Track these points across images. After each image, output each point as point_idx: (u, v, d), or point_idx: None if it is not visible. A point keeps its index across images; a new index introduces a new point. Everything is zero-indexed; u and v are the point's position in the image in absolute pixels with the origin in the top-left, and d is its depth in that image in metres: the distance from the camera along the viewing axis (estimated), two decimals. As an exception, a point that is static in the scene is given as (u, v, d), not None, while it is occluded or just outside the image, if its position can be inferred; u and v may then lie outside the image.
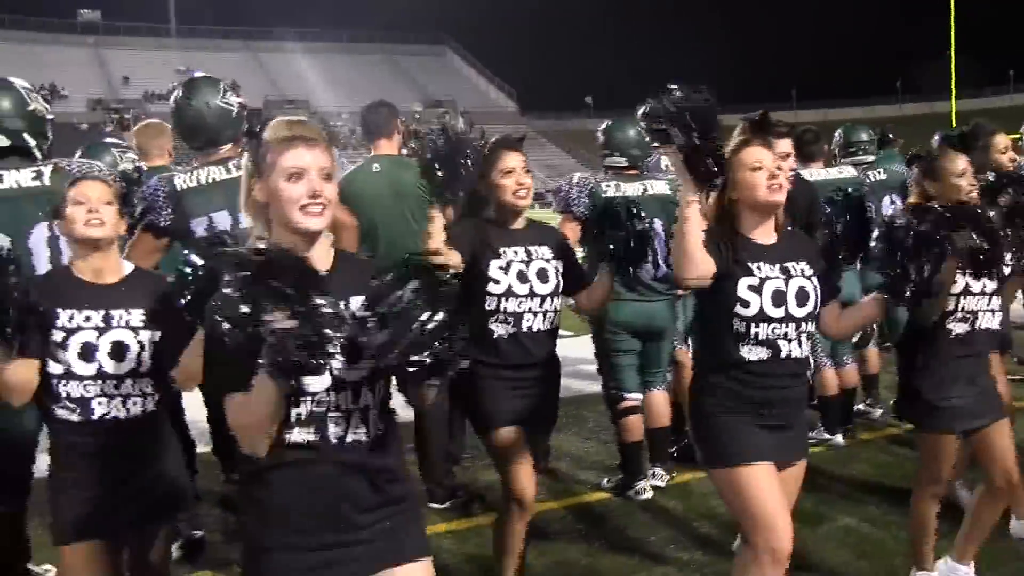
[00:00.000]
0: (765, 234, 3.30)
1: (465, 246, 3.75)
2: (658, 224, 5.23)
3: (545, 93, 69.46)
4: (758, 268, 3.20)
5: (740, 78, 74.87)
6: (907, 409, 4.02)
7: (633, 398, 5.46)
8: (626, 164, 5.50)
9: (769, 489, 3.17)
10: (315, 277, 2.13)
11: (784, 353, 3.20)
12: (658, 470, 5.58)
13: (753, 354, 3.19)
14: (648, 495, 5.42)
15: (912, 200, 4.08)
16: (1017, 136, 8.08)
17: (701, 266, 3.15)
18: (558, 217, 5.52)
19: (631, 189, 5.38)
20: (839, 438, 6.25)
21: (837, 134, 7.23)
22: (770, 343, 3.18)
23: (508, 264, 3.75)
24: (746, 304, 3.18)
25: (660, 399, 5.52)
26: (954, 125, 40.34)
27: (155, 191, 4.13)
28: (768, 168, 3.24)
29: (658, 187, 5.43)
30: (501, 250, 3.76)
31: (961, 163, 3.93)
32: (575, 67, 77.52)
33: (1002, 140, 5.82)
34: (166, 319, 3.04)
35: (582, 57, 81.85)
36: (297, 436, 2.31)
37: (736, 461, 3.19)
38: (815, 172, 6.24)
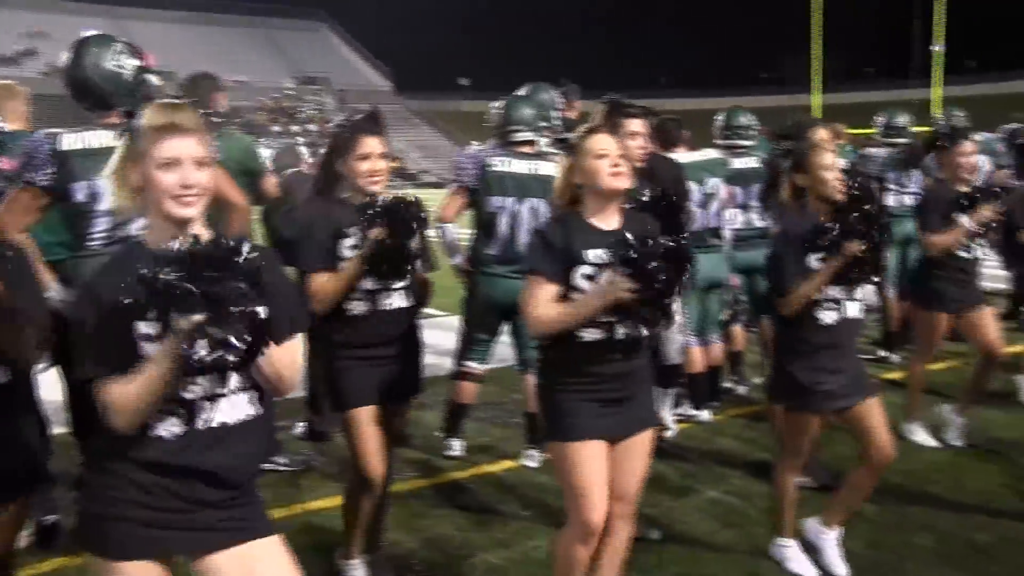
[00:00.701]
0: (606, 219, 3.33)
1: (321, 228, 3.73)
2: (541, 204, 5.29)
3: (421, 73, 68.71)
4: (596, 256, 3.22)
5: (611, 65, 75.70)
6: (779, 390, 4.19)
7: (476, 367, 5.61)
8: (529, 139, 5.53)
9: (591, 466, 3.27)
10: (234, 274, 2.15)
11: (619, 334, 3.23)
12: (532, 450, 5.62)
13: (588, 334, 3.23)
14: (455, 452, 5.70)
15: (784, 193, 4.19)
16: (870, 131, 8.41)
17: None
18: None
19: (520, 167, 5.40)
20: (705, 414, 6.42)
21: (719, 117, 7.40)
22: (606, 325, 3.21)
23: (354, 246, 3.72)
24: (583, 292, 3.22)
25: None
26: (819, 117, 41.86)
27: (38, 146, 3.96)
28: (612, 156, 3.28)
29: (546, 168, 5.44)
30: (353, 230, 3.73)
31: (830, 157, 4.06)
32: (451, 47, 77.20)
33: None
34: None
35: (459, 38, 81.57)
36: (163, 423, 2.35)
37: (565, 437, 3.28)
38: (687, 155, 6.36)
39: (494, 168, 5.39)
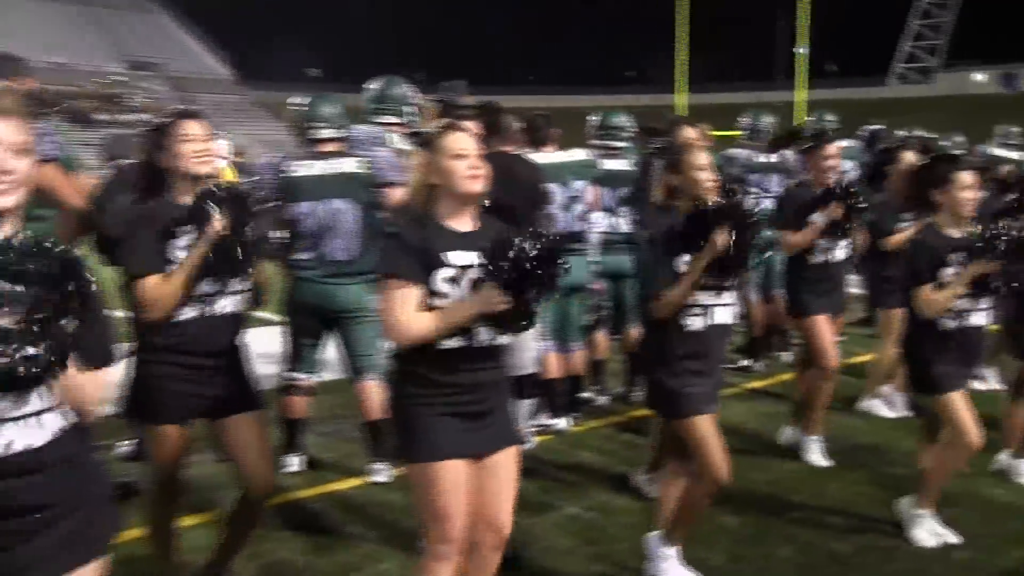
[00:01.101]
0: (463, 222, 3.32)
1: (148, 227, 3.63)
2: (341, 204, 5.31)
3: (266, 61, 67.40)
4: (457, 258, 3.22)
5: (475, 60, 75.92)
6: (652, 400, 4.30)
7: (303, 378, 5.60)
8: (330, 137, 5.49)
9: (454, 488, 3.24)
10: None
11: (480, 341, 3.23)
12: (379, 464, 5.58)
13: (448, 342, 3.21)
14: (294, 469, 5.63)
15: (657, 193, 4.28)
16: (736, 133, 8.68)
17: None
18: None
19: (321, 168, 5.36)
20: (563, 422, 6.49)
21: (593, 117, 7.54)
22: (468, 332, 3.20)
23: (188, 246, 3.62)
24: (444, 296, 3.19)
25: (372, 389, 5.51)
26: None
27: None
28: (470, 157, 3.28)
29: (347, 166, 5.41)
30: (184, 228, 3.62)
31: (703, 157, 4.17)
32: (299, 35, 75.96)
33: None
34: None
35: (308, 25, 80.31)
36: None
37: (425, 457, 3.23)
38: (544, 156, 6.43)
39: (292, 174, 5.36)
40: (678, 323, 4.05)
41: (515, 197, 5.51)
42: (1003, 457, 5.69)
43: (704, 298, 4.05)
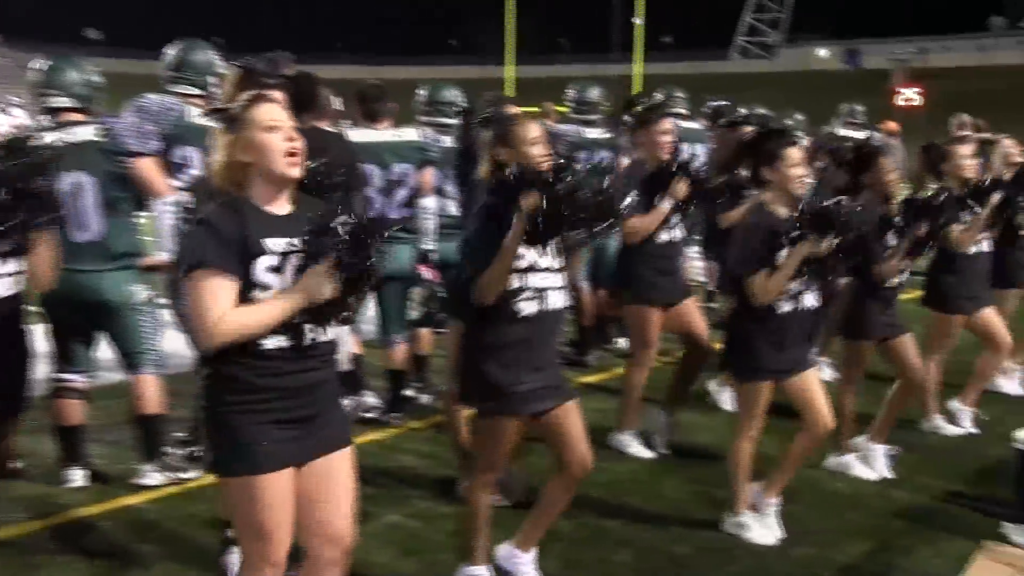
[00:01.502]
0: (278, 204, 3.28)
1: None
2: (83, 177, 5.23)
3: (37, 20, 64.55)
4: (278, 244, 3.18)
5: (281, 28, 74.59)
6: (472, 393, 4.32)
7: (74, 380, 5.49)
8: (69, 105, 5.39)
9: (278, 502, 3.21)
10: None
11: (308, 340, 3.20)
12: (150, 467, 5.52)
13: (271, 342, 3.16)
14: (76, 484, 5.51)
15: (484, 167, 4.34)
16: (564, 107, 8.84)
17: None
18: None
19: (49, 139, 5.14)
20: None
21: (421, 91, 7.55)
22: (292, 328, 3.17)
23: None
24: (267, 288, 3.15)
25: (147, 383, 5.46)
26: (513, 91, 43.41)
27: None
28: (284, 129, 3.24)
29: (83, 134, 5.31)
30: None
31: (534, 130, 4.25)
32: (78, -6, 72.96)
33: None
34: None
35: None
36: None
37: (247, 470, 3.18)
38: (372, 134, 6.44)
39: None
40: (509, 308, 4.10)
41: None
42: (859, 441, 6.05)
43: (535, 280, 4.12)
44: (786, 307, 4.83)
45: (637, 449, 6.24)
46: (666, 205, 5.92)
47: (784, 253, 4.71)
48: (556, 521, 4.52)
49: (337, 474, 3.37)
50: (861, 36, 71.29)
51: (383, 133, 6.51)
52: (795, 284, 4.77)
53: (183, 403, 6.70)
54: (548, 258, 4.18)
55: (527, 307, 4.11)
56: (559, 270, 4.21)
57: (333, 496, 3.35)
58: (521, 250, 4.03)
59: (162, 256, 5.47)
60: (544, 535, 4.51)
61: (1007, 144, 7.49)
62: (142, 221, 5.59)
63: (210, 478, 5.11)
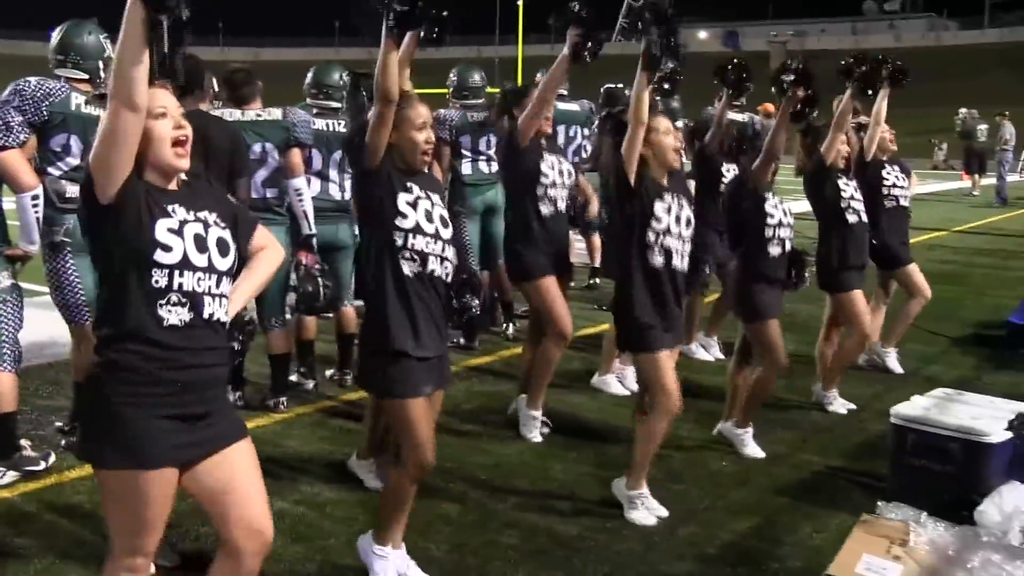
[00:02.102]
0: (169, 185, 3.18)
1: None
2: None
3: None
4: (173, 211, 3.10)
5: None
6: (368, 377, 4.37)
7: None
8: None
9: (161, 496, 3.12)
10: None
11: (207, 314, 3.12)
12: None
13: (174, 315, 3.06)
14: None
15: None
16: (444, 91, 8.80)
17: None
18: None
19: None
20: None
21: (452, 74, 7.70)
22: (193, 299, 3.09)
23: None
24: (168, 249, 3.05)
25: (3, 380, 5.26)
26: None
27: None
28: (173, 116, 3.14)
29: None
30: None
31: (423, 113, 4.21)
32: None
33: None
34: None
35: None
36: None
37: (130, 465, 3.06)
38: (236, 113, 6.33)
39: None
40: (398, 273, 4.12)
41: (210, 163, 5.42)
42: (726, 426, 6.15)
43: (420, 243, 4.12)
44: (658, 260, 4.99)
45: (533, 434, 6.23)
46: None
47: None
48: (442, 505, 4.50)
49: (241, 467, 3.29)
50: (739, 19, 72.43)
51: (246, 113, 6.40)
52: (670, 240, 5.00)
53: (62, 392, 6.58)
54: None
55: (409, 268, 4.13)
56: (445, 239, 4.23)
57: (242, 488, 3.28)
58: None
59: (28, 248, 5.31)
60: (431, 519, 4.49)
61: (882, 130, 7.68)
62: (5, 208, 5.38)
63: (89, 468, 5.00)
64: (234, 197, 4.24)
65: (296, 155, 6.53)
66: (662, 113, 5.18)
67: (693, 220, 5.14)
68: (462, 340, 8.40)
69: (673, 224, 5.00)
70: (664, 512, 5.12)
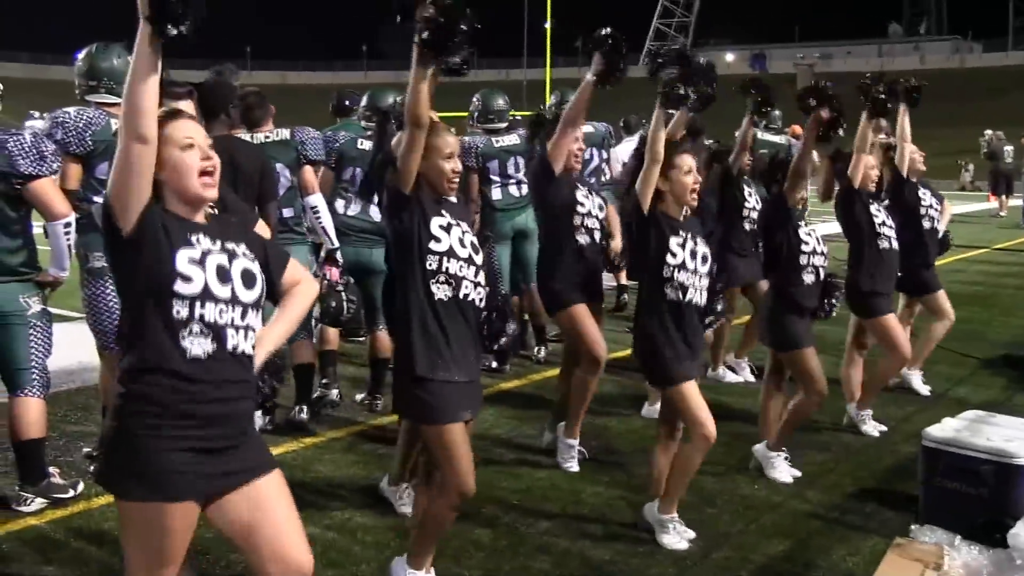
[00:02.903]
0: (196, 216, 3.16)
1: None
2: None
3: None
4: (197, 240, 3.07)
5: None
6: (402, 402, 4.35)
7: None
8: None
9: (181, 528, 3.08)
10: None
11: (231, 346, 3.09)
12: (27, 493, 5.32)
13: (196, 346, 3.03)
14: None
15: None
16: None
17: None
18: None
19: None
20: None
21: (476, 99, 7.63)
22: (216, 331, 3.06)
23: None
24: (188, 279, 3.02)
25: (28, 405, 5.26)
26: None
27: None
28: (201, 148, 3.14)
29: None
30: None
31: (451, 143, 4.22)
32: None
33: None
34: None
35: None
36: None
37: (151, 497, 3.02)
38: (247, 136, 6.38)
39: None
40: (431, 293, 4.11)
41: (238, 188, 5.44)
42: (759, 448, 6.09)
43: (453, 267, 4.12)
44: (672, 295, 4.98)
45: (571, 464, 6.15)
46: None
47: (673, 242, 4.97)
48: (474, 530, 4.46)
49: (271, 498, 3.23)
50: (767, 41, 72.48)
51: (255, 136, 6.46)
52: (684, 276, 4.96)
53: (91, 418, 6.59)
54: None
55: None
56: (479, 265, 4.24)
57: (273, 522, 3.21)
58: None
59: (59, 275, 5.33)
60: (463, 544, 4.46)
61: (912, 150, 7.63)
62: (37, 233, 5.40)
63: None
64: (264, 221, 4.27)
65: (309, 172, 6.57)
66: (688, 151, 5.11)
67: (710, 257, 5.11)
68: (494, 364, 8.35)
69: (688, 259, 4.97)
70: (691, 534, 5.09)
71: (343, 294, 6.25)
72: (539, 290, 6.36)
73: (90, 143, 5.38)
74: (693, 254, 4.99)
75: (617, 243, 6.75)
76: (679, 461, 5.07)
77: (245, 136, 6.40)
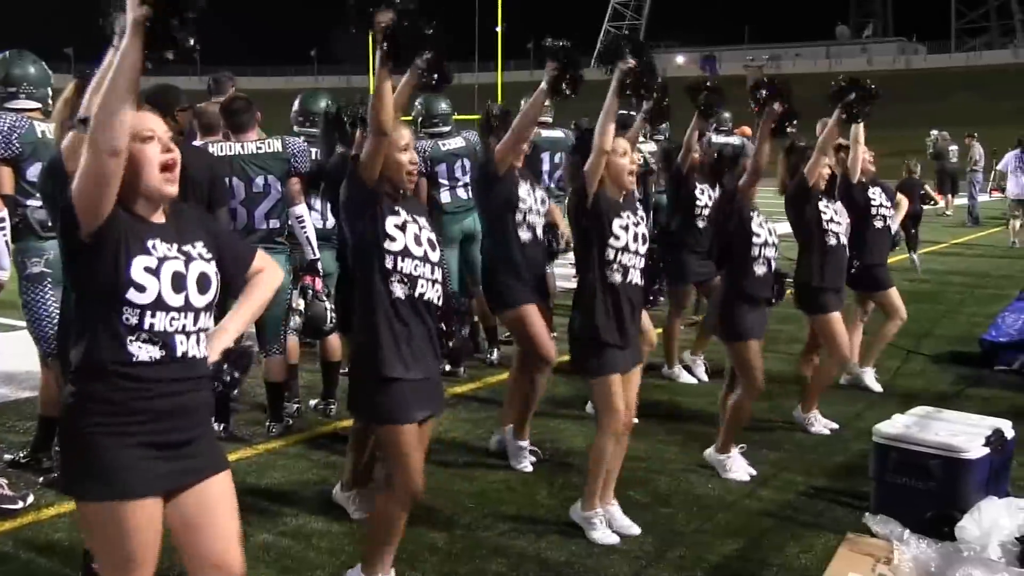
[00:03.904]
0: (155, 214, 3.10)
1: None
2: None
3: None
4: (154, 247, 3.01)
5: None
6: (359, 403, 4.33)
7: None
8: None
9: (143, 526, 3.01)
10: None
11: (180, 352, 3.04)
12: None
13: (144, 352, 2.99)
14: None
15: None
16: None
17: None
18: None
19: None
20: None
21: (418, 104, 7.75)
22: (165, 339, 3.01)
23: None
24: (142, 289, 2.96)
25: None
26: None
27: None
28: (161, 139, 3.06)
29: None
30: None
31: (405, 135, 4.23)
32: None
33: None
34: None
35: None
36: None
37: (109, 496, 2.98)
38: (236, 147, 6.32)
39: None
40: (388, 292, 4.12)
41: (189, 195, 5.38)
42: (709, 453, 6.11)
43: (408, 266, 4.11)
44: (617, 277, 5.01)
45: (524, 464, 6.15)
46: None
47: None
48: (429, 533, 4.45)
49: (217, 500, 3.19)
50: (717, 43, 72.97)
51: (246, 146, 6.37)
52: (626, 257, 5.02)
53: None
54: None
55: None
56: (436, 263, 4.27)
57: (214, 523, 3.18)
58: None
59: None
60: (418, 548, 4.44)
61: (862, 150, 7.70)
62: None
63: (69, 504, 4.93)
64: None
65: (296, 184, 6.52)
66: (623, 133, 5.19)
67: (647, 236, 5.17)
68: (447, 367, 8.27)
69: (631, 241, 5.03)
70: (635, 530, 5.17)
71: (325, 304, 6.23)
72: (484, 290, 6.32)
73: (17, 146, 5.39)
74: (635, 236, 5.06)
75: (564, 228, 6.75)
76: (592, 452, 5.16)
77: (234, 146, 6.35)
